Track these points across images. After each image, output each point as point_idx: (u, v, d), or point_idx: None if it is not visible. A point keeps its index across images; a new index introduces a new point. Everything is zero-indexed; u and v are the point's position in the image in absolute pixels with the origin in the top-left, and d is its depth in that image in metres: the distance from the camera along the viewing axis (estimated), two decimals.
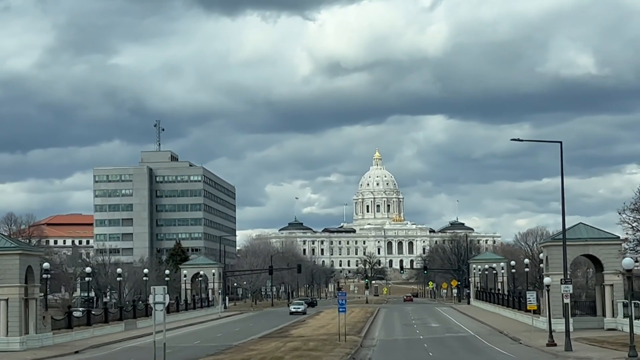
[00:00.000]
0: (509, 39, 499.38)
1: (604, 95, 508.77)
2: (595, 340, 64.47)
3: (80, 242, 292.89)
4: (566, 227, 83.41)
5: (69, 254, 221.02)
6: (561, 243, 76.35)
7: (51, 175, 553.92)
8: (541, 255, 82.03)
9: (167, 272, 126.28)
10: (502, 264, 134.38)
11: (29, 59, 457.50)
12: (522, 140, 59.94)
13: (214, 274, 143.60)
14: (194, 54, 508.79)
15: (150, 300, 46.06)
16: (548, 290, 64.65)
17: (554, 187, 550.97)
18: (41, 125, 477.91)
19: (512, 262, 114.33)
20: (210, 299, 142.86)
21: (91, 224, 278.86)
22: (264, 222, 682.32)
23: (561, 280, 58.38)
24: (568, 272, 77.59)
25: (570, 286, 58.75)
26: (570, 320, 75.28)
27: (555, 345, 61.34)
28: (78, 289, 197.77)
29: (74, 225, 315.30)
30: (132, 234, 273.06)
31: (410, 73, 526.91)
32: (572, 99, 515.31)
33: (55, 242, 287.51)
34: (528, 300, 71.88)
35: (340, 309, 69.80)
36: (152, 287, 46.79)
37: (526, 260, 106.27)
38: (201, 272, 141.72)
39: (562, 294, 58.01)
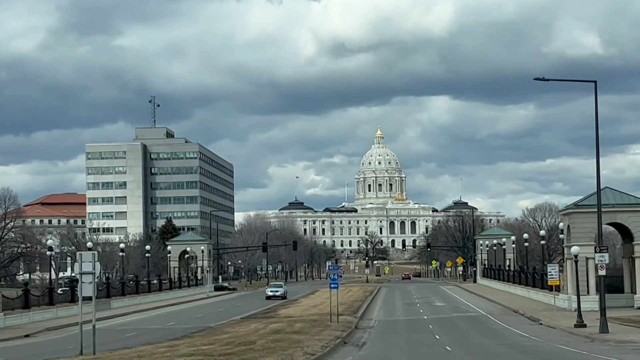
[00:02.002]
0: (514, 19, 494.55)
1: (610, 76, 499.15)
2: (630, 320, 55.04)
3: (75, 222, 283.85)
4: (585, 195, 74.38)
5: (64, 233, 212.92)
6: (586, 210, 67.44)
7: (55, 157, 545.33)
8: (560, 224, 72.56)
9: (147, 247, 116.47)
10: (512, 237, 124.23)
11: (32, 40, 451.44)
12: (547, 80, 50.30)
13: (203, 251, 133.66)
14: (199, 35, 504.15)
15: (76, 270, 36.28)
16: (576, 262, 55.01)
17: (558, 168, 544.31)
18: (45, 107, 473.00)
19: (525, 235, 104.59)
20: (199, 278, 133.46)
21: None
22: (267, 204, 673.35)
23: (595, 248, 48.81)
24: (595, 242, 68.24)
25: (606, 255, 49.12)
26: (595, 297, 66.27)
27: (585, 326, 51.91)
28: (69, 269, 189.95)
29: (68, 205, 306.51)
30: (125, 212, 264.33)
31: (415, 54, 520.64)
32: (577, 79, 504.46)
33: (50, 221, 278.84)
34: (549, 274, 62.30)
35: (332, 285, 60.14)
36: (78, 253, 37.13)
37: (542, 232, 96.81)
38: (188, 249, 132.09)
39: (597, 265, 48.43)
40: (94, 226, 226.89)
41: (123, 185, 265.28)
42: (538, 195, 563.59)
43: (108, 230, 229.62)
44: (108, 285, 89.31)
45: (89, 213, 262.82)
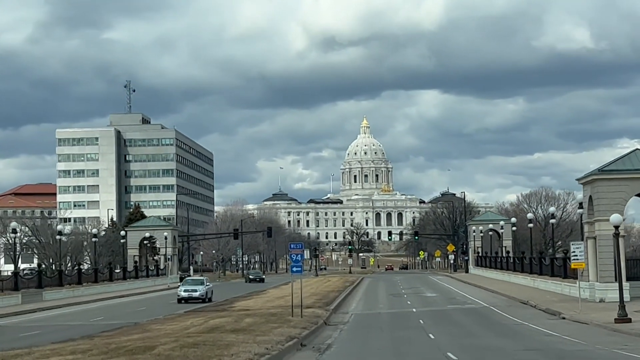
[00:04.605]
0: (505, 13, 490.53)
1: (600, 70, 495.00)
2: None
3: (50, 213, 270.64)
4: (611, 158, 61.61)
5: (38, 224, 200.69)
6: (614, 176, 54.33)
7: (43, 151, 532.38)
8: (579, 196, 59.60)
9: (94, 231, 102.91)
10: (512, 220, 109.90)
11: (21, 34, 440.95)
12: None
13: (166, 238, 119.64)
14: (188, 28, 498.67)
15: None
16: (617, 235, 41.68)
17: (546, 162, 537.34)
18: (34, 101, 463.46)
19: (530, 215, 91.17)
20: (161, 267, 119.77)
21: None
22: (254, 198, 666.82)
23: None
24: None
25: None
26: (626, 284, 53.25)
27: (630, 320, 38.74)
28: (35, 260, 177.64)
29: (42, 195, 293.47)
30: (98, 201, 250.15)
31: (406, 48, 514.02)
32: (567, 73, 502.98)
33: (23, 212, 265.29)
34: (572, 255, 49.04)
35: (294, 269, 46.57)
36: None
37: (551, 209, 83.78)
38: (147, 234, 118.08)
39: None
40: (65, 216, 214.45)
41: (95, 173, 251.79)
42: (526, 189, 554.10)
43: (80, 220, 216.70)
44: (40, 274, 75.50)
45: (60, 202, 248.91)
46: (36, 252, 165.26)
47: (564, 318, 45.71)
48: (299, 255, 46.42)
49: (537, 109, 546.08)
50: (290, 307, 48.90)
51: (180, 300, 69.74)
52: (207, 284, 74.04)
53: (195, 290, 70.88)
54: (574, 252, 48.85)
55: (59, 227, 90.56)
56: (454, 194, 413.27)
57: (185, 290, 71.10)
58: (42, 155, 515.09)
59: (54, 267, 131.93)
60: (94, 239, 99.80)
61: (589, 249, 57.08)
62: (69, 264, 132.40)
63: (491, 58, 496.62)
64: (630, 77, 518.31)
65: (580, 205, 59.72)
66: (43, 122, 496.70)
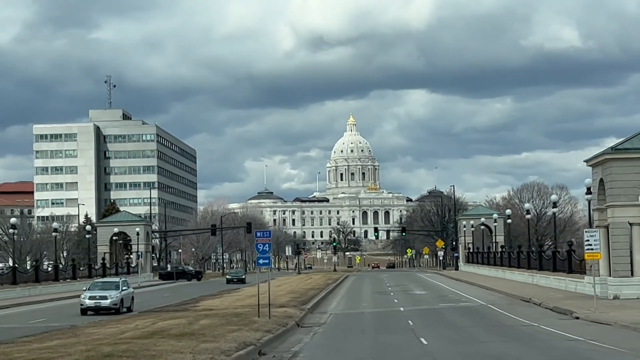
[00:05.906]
0: (493, 13, 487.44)
1: (588, 69, 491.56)
2: None
3: (29, 212, 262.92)
4: (618, 140, 55.13)
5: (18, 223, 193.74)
6: (631, 155, 47.59)
7: (29, 151, 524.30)
8: (587, 181, 52.90)
9: (55, 225, 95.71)
10: (507, 212, 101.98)
11: (8, 33, 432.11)
12: None
13: (138, 234, 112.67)
14: (176, 28, 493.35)
15: None
16: None
17: (533, 162, 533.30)
18: (21, 101, 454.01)
19: (527, 205, 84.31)
20: (132, 265, 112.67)
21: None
22: (241, 198, 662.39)
23: None
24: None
25: None
26: None
27: None
28: (10, 260, 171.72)
29: (22, 194, 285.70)
30: (77, 199, 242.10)
31: (394, 47, 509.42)
32: (555, 72, 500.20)
33: (2, 211, 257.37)
34: (586, 244, 42.20)
35: (260, 261, 39.67)
36: None
37: (553, 197, 77.08)
38: (116, 230, 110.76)
39: None
40: (42, 214, 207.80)
41: (74, 170, 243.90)
42: (513, 188, 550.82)
43: (58, 219, 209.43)
44: None
45: (37, 200, 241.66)
46: (11, 251, 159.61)
47: (577, 318, 38.97)
48: (266, 245, 39.48)
49: (524, 108, 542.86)
50: (261, 305, 41.95)
51: (85, 310, 50.87)
52: (124, 287, 54.09)
53: (105, 297, 51.18)
54: (587, 240, 42.04)
55: (12, 220, 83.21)
56: (442, 192, 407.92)
57: (90, 297, 51.33)
58: (28, 156, 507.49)
59: (28, 266, 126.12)
60: (54, 234, 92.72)
61: (601, 239, 50.43)
62: (43, 263, 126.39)
63: (479, 57, 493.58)
64: (617, 77, 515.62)
65: (589, 191, 53.03)
66: (30, 122, 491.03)
